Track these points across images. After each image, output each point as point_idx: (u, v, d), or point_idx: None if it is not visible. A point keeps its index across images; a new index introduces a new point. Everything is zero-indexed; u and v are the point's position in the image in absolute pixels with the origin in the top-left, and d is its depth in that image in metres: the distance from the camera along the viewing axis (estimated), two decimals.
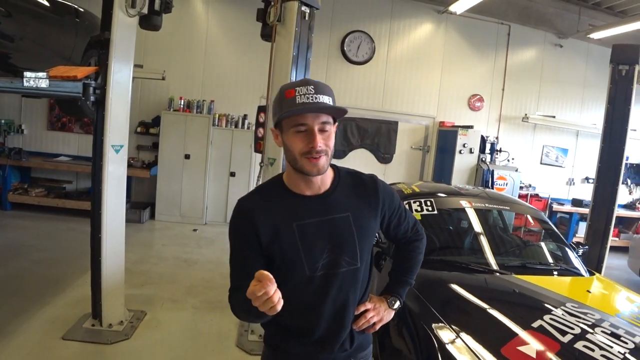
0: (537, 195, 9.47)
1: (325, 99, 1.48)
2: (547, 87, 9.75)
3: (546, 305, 2.69)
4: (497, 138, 9.35)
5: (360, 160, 8.93)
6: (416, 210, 3.62)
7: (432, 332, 2.35)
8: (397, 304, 1.82)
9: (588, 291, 3.15)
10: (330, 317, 1.63)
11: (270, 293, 1.20)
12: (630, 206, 10.23)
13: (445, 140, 9.06)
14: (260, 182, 3.88)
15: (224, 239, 7.03)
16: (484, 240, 3.57)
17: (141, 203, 7.90)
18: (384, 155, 9.32)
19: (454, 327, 2.37)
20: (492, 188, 8.36)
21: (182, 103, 7.77)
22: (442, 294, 2.84)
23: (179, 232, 7.28)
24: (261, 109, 3.95)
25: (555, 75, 9.73)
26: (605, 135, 4.98)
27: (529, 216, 4.09)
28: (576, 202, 9.54)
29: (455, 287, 2.89)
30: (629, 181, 10.48)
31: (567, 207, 9.39)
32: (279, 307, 1.24)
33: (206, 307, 4.55)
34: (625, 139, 4.94)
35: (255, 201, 1.62)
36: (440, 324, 2.41)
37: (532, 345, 2.22)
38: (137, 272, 5.20)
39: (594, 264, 4.74)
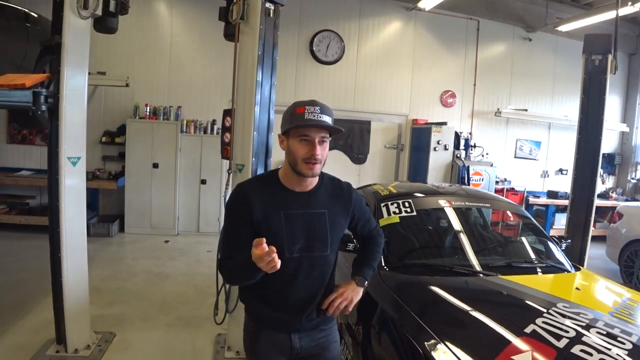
0: (513, 189, 9.46)
1: (327, 119, 1.86)
2: (518, 81, 9.78)
3: (537, 307, 2.55)
4: (470, 134, 9.32)
5: (334, 162, 8.74)
6: (394, 212, 3.46)
7: (417, 342, 2.19)
8: (365, 283, 2.13)
9: (577, 288, 3.05)
10: (301, 291, 1.99)
11: (273, 255, 1.65)
12: (604, 195, 10.32)
13: (419, 138, 8.97)
14: (229, 191, 3.66)
15: (197, 249, 6.85)
16: (465, 241, 3.42)
17: (109, 216, 7.57)
18: (358, 155, 9.19)
19: (440, 337, 2.21)
20: (469, 184, 8.31)
21: (148, 110, 7.48)
22: (426, 301, 2.68)
23: (150, 244, 6.99)
24: (227, 113, 3.74)
25: (526, 69, 9.77)
26: (581, 127, 4.93)
27: (509, 212, 3.98)
28: (551, 194, 9.58)
29: (439, 292, 2.72)
30: (601, 171, 10.54)
31: (543, 200, 9.42)
32: (278, 266, 1.68)
33: (180, 324, 4.30)
34: (601, 130, 4.90)
35: (253, 187, 2.00)
36: (425, 334, 2.25)
37: (527, 354, 2.07)
38: (106, 290, 4.92)
39: (577, 257, 4.68)
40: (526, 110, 9.70)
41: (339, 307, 2.01)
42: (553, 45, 9.88)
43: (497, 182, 9.06)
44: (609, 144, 10.69)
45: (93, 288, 3.72)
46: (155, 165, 7.50)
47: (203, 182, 7.82)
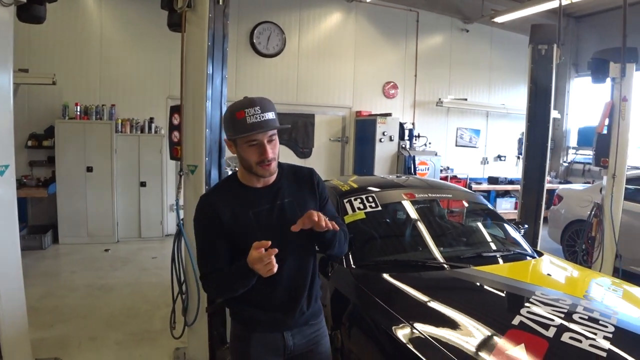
0: (455, 176, 9.68)
1: (270, 115, 1.79)
2: (457, 71, 9.99)
3: (517, 297, 2.53)
4: (413, 124, 9.40)
5: (279, 157, 8.49)
6: (359, 208, 3.32)
7: (411, 345, 2.06)
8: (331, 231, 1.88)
9: (548, 274, 3.05)
10: (287, 285, 1.93)
11: (271, 258, 1.65)
12: None
13: (364, 129, 8.94)
14: (181, 193, 3.38)
15: (141, 257, 6.42)
16: (434, 234, 3.36)
17: (41, 226, 6.92)
18: (303, 149, 9.03)
19: (431, 337, 2.09)
20: (415, 174, 8.39)
21: (78, 109, 6.90)
22: (406, 300, 2.56)
23: (89, 254, 6.47)
24: (175, 110, 3.44)
25: (464, 60, 10.00)
26: (530, 115, 5.02)
27: (470, 202, 3.95)
28: (492, 180, 9.89)
29: (418, 289, 2.62)
30: None
31: (485, 186, 9.70)
32: (275, 269, 1.67)
33: (132, 341, 3.97)
34: (549, 117, 5.02)
35: (216, 195, 1.97)
36: (415, 336, 2.13)
37: (521, 346, 2.00)
38: (44, 310, 4.45)
39: (530, 241, 4.76)
40: (466, 99, 9.94)
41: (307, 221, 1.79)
42: (489, 36, 10.17)
43: (441, 171, 9.22)
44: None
45: (29, 308, 3.30)
46: (90, 169, 6.96)
47: (143, 184, 7.37)
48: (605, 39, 9.15)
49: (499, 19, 9.15)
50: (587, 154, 10.64)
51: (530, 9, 8.53)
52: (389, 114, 8.58)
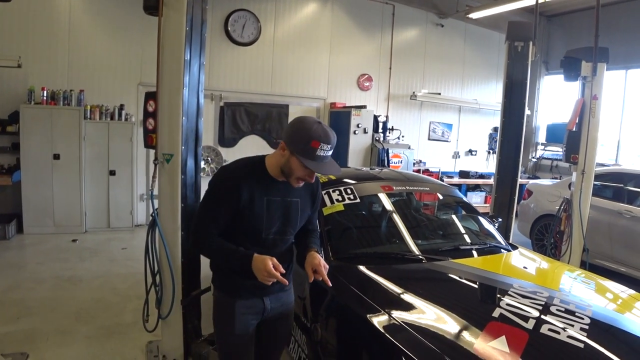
0: (427, 170, 9.77)
1: (331, 153, 2.09)
2: (431, 66, 10.07)
3: (496, 290, 2.57)
4: (387, 117, 9.42)
5: (252, 147, 8.40)
6: (337, 200, 3.30)
7: (392, 337, 2.05)
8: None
9: (524, 267, 3.10)
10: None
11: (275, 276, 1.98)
12: None
13: (338, 121, 8.91)
14: (156, 182, 3.28)
15: (110, 247, 6.26)
16: (412, 226, 3.38)
17: (4, 215, 6.63)
18: (276, 140, 8.93)
19: (414, 329, 2.09)
20: (389, 167, 8.43)
21: (45, 94, 6.63)
22: (386, 292, 2.55)
23: (56, 245, 6.26)
24: (150, 96, 3.32)
25: (438, 54, 10.08)
26: (505, 110, 5.09)
27: (445, 194, 3.99)
28: (463, 174, 10.05)
29: (398, 282, 2.62)
30: None
31: (456, 180, 9.83)
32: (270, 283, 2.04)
33: (103, 334, 3.84)
34: (524, 113, 5.11)
35: (242, 173, 2.15)
36: (397, 328, 2.13)
37: (502, 338, 2.03)
38: (9, 303, 4.27)
39: (503, 234, 4.84)
40: (439, 94, 10.03)
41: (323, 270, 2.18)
42: (463, 32, 10.28)
43: (413, 164, 9.30)
44: None
45: None
46: (57, 157, 6.73)
47: (112, 173, 7.16)
48: (575, 39, 9.39)
49: (473, 15, 9.25)
50: (556, 150, 10.92)
51: (505, 6, 8.66)
52: (364, 107, 8.59)
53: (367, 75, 9.42)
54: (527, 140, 11.39)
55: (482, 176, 10.12)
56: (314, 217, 2.46)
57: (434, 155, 10.39)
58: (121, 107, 7.17)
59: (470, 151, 10.90)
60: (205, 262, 2.98)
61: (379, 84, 9.59)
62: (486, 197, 9.89)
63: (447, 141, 10.62)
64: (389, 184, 3.63)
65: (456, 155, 10.83)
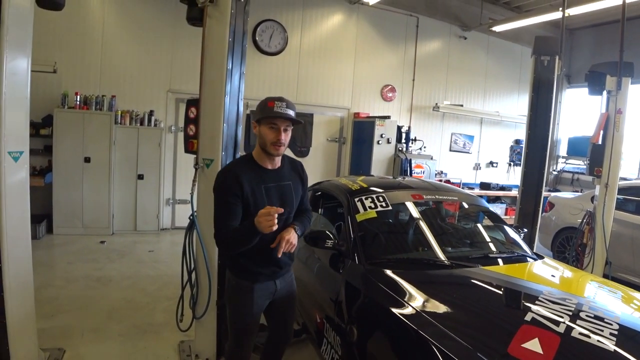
0: (449, 181, 9.80)
1: (291, 112, 2.41)
2: (454, 78, 10.12)
3: (526, 295, 2.62)
4: (409, 128, 9.50)
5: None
6: (370, 207, 3.39)
7: (431, 338, 2.12)
8: (300, 232, 2.57)
9: (552, 276, 3.14)
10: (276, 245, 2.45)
11: (274, 215, 2.19)
12: None
13: (361, 131, 9.01)
14: (196, 187, 3.40)
15: (137, 249, 6.42)
16: (443, 234, 3.44)
17: (36, 216, 6.73)
18: (301, 148, 9.06)
19: (450, 331, 2.15)
20: (411, 177, 8.48)
21: (78, 99, 6.85)
22: (421, 296, 2.62)
23: (84, 246, 6.43)
24: (192, 103, 3.45)
25: (461, 66, 10.14)
26: (530, 123, 5.14)
27: (473, 204, 4.04)
28: (484, 186, 10.04)
29: (432, 286, 2.69)
30: None
31: (477, 191, 9.81)
32: (275, 227, 2.22)
33: (135, 333, 3.95)
34: (549, 126, 5.14)
35: (238, 168, 2.46)
36: (434, 328, 2.19)
37: (535, 340, 2.09)
38: (43, 300, 4.39)
39: (527, 244, 4.88)
40: (462, 105, 10.08)
41: (286, 246, 2.44)
42: (485, 44, 10.33)
43: (435, 175, 9.34)
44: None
45: None
46: (87, 160, 6.92)
47: (140, 177, 7.33)
48: (598, 52, 9.39)
49: (496, 28, 9.31)
50: (577, 164, 10.87)
51: (528, 20, 8.72)
52: (388, 117, 8.67)
53: (390, 86, 9.52)
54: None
55: (502, 188, 10.11)
56: (305, 197, 2.75)
57: (455, 166, 10.42)
58: (151, 113, 7.35)
59: (491, 163, 10.91)
60: None
61: (402, 94, 9.67)
62: (507, 209, 9.86)
63: (468, 153, 10.64)
64: (419, 193, 3.70)
65: (477, 167, 10.84)
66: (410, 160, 8.58)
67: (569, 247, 7.22)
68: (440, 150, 10.21)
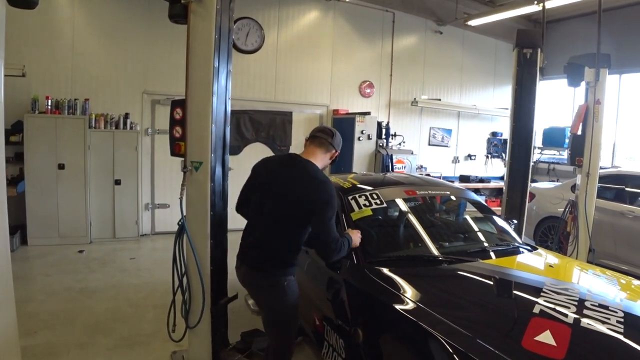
0: (429, 175, 9.82)
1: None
2: (431, 72, 10.16)
3: (531, 287, 2.61)
4: (388, 123, 9.48)
5: (257, 155, 8.11)
6: (365, 205, 3.33)
7: (442, 336, 2.06)
8: None
9: (550, 266, 3.14)
10: None
11: None
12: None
13: (341, 128, 8.89)
14: (184, 190, 3.26)
15: (118, 257, 6.23)
16: (439, 229, 3.41)
17: (9, 227, 6.54)
18: (280, 147, 8.93)
19: (463, 327, 2.10)
20: (393, 172, 8.47)
21: (49, 103, 6.57)
22: (427, 292, 2.58)
23: (62, 256, 6.18)
24: (177, 104, 3.30)
25: (437, 61, 10.18)
26: (515, 115, 5.15)
27: (464, 198, 4.03)
28: (464, 178, 10.13)
29: (436, 282, 2.65)
30: (503, 155, 11.40)
31: (457, 184, 9.87)
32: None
33: (124, 346, 3.78)
34: (533, 118, 5.17)
35: None
36: (444, 325, 2.14)
37: (547, 332, 2.08)
38: (24, 316, 4.12)
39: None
40: (440, 100, 10.12)
41: None
42: (461, 38, 10.40)
43: (417, 169, 9.36)
44: (507, 129, 11.53)
45: None
46: (61, 166, 6.66)
47: (117, 182, 7.11)
48: (570, 45, 9.52)
49: (472, 22, 9.35)
50: (552, 154, 11.04)
51: (502, 14, 8.79)
52: (368, 113, 8.63)
53: (368, 82, 9.48)
54: None
55: (481, 180, 10.22)
56: None
57: (435, 160, 10.46)
58: (126, 116, 7.13)
59: (469, 156, 10.99)
60: (231, 269, 3.00)
61: (380, 90, 9.66)
62: (486, 200, 9.96)
63: (446, 146, 10.70)
64: (412, 189, 3.65)
65: (456, 160, 10.91)
66: (392, 155, 8.57)
67: (551, 236, 7.34)
68: (419, 145, 10.23)
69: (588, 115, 5.62)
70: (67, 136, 6.67)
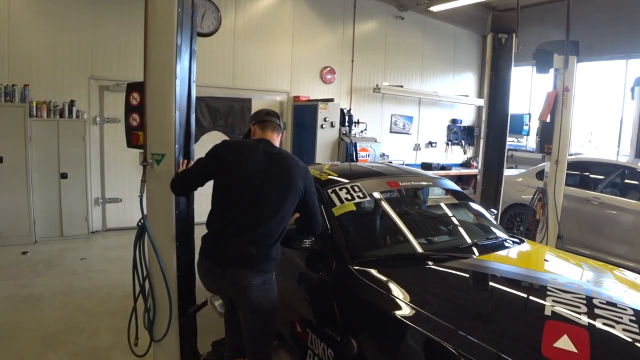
0: (391, 162, 9.68)
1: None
2: (392, 58, 9.97)
3: (535, 286, 2.44)
4: (349, 110, 9.24)
5: (214, 143, 7.93)
6: (347, 199, 3.06)
7: (461, 353, 1.83)
8: None
9: (545, 260, 2.99)
10: None
11: None
12: (466, 164, 11.22)
13: (303, 115, 8.64)
14: (145, 187, 2.87)
15: (67, 258, 5.69)
16: (427, 223, 3.20)
17: None
18: (239, 135, 8.53)
19: (478, 340, 1.87)
20: (357, 160, 8.26)
21: None
22: (426, 296, 2.35)
23: (3, 259, 5.57)
24: (133, 88, 2.89)
25: (398, 47, 10.00)
26: (490, 102, 5.00)
27: (443, 188, 3.82)
28: (426, 166, 10.08)
29: (435, 284, 2.43)
30: (463, 142, 11.46)
31: (429, 173, 9.77)
32: None
33: None
34: (508, 104, 5.05)
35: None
36: (456, 337, 1.91)
37: (565, 338, 1.90)
38: None
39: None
40: (402, 86, 9.97)
41: None
42: (422, 25, 10.26)
43: (380, 157, 9.19)
44: (468, 117, 11.60)
45: None
46: None
47: (63, 176, 6.51)
48: (540, 32, 9.53)
49: (434, 8, 9.23)
50: (511, 141, 11.16)
51: (464, 0, 8.71)
52: (331, 100, 8.36)
53: (329, 68, 9.19)
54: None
55: (443, 167, 10.19)
56: None
57: (396, 147, 10.34)
58: (71, 104, 6.52)
59: (430, 143, 10.94)
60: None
61: (342, 76, 9.38)
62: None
63: (408, 134, 10.59)
64: (394, 180, 3.42)
65: (417, 148, 10.84)
66: (355, 143, 8.34)
67: (517, 223, 7.37)
68: (381, 132, 10.05)
69: (557, 103, 5.59)
70: (4, 126, 6.03)
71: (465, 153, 11.59)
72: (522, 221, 6.99)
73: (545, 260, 3.00)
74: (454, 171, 10.45)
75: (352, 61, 9.41)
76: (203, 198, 2.92)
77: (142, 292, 2.90)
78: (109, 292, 4.63)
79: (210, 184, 2.62)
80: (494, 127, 5.02)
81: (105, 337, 3.74)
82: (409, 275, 2.50)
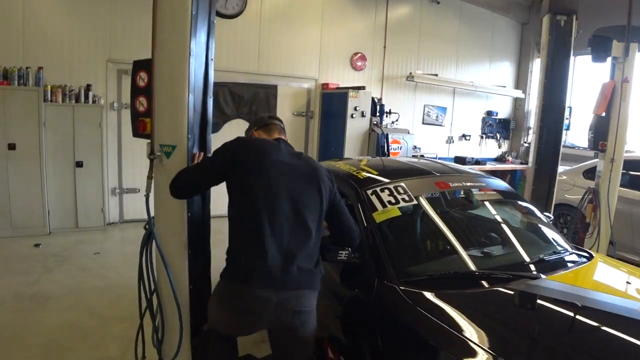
0: (423, 156, 9.13)
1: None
2: (426, 45, 9.37)
3: (632, 321, 1.92)
4: (380, 99, 8.71)
5: (238, 132, 7.48)
6: (390, 203, 2.58)
7: None
8: None
9: (628, 282, 2.46)
10: None
11: None
12: (500, 159, 10.58)
13: (331, 103, 8.16)
14: (152, 182, 2.45)
15: (79, 252, 5.19)
16: (483, 233, 2.69)
17: None
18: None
19: None
20: (388, 154, 7.76)
21: None
22: (499, 331, 1.87)
23: (14, 251, 5.28)
24: (140, 66, 2.45)
25: (433, 33, 9.39)
26: (545, 92, 4.42)
27: (502, 192, 3.30)
28: (459, 160, 9.47)
29: (509, 315, 1.96)
30: (498, 135, 10.82)
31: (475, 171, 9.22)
32: None
33: None
34: (565, 95, 4.49)
35: None
36: None
37: None
38: None
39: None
40: (437, 75, 9.38)
41: None
42: (458, 10, 9.62)
43: (413, 150, 8.66)
44: (504, 109, 10.93)
45: None
46: (12, 146, 5.71)
47: (79, 164, 6.19)
48: (595, 17, 8.81)
49: None
50: None
51: None
52: (363, 87, 7.83)
53: (360, 54, 8.65)
54: (518, 124, 11.03)
55: (477, 162, 9.59)
56: None
57: (428, 140, 9.76)
58: (88, 88, 6.18)
59: (463, 136, 10.33)
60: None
61: (373, 63, 8.84)
62: None
63: (441, 125, 10.00)
64: (443, 180, 2.92)
65: (450, 140, 10.23)
66: (387, 135, 7.83)
67: (561, 225, 6.78)
68: (413, 124, 9.49)
69: (614, 95, 5.02)
70: (17, 111, 5.72)
71: (500, 147, 10.94)
72: (567, 223, 6.42)
73: (627, 282, 2.47)
74: (489, 166, 9.83)
75: (385, 47, 8.85)
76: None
77: (149, 308, 2.49)
78: (120, 293, 4.26)
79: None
80: (548, 121, 4.45)
81: (113, 345, 3.36)
82: (476, 304, 2.02)
